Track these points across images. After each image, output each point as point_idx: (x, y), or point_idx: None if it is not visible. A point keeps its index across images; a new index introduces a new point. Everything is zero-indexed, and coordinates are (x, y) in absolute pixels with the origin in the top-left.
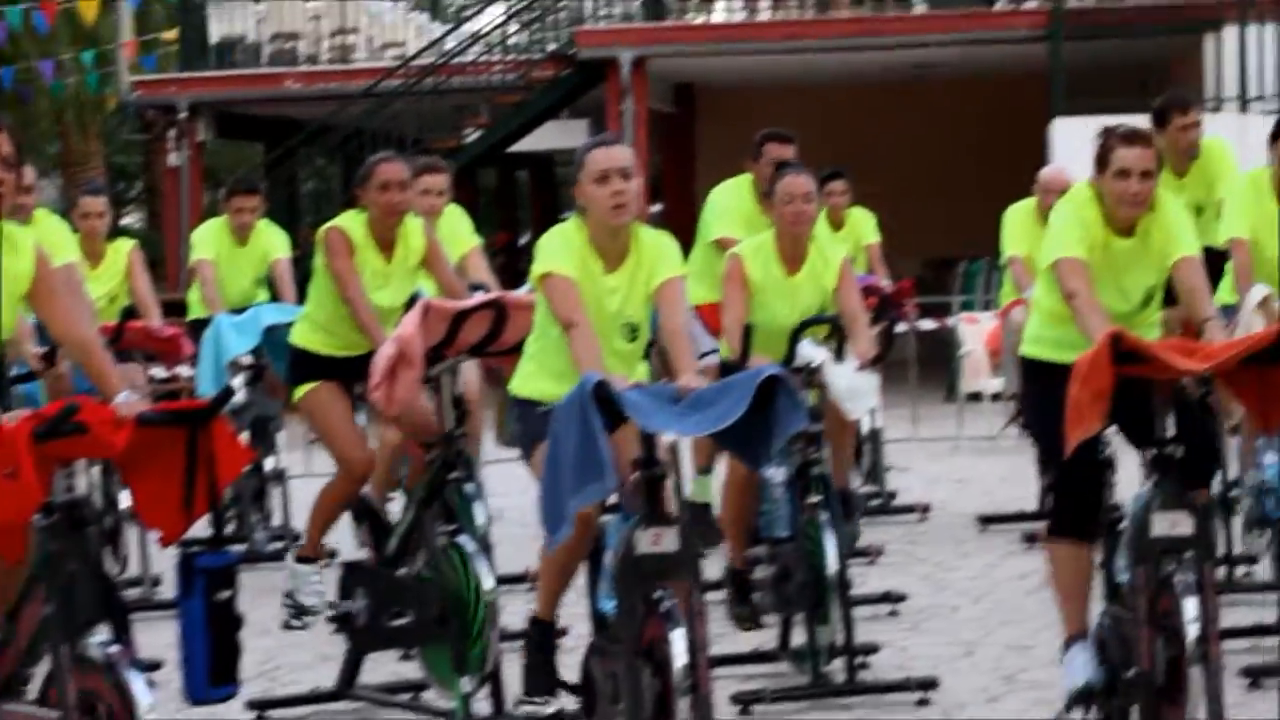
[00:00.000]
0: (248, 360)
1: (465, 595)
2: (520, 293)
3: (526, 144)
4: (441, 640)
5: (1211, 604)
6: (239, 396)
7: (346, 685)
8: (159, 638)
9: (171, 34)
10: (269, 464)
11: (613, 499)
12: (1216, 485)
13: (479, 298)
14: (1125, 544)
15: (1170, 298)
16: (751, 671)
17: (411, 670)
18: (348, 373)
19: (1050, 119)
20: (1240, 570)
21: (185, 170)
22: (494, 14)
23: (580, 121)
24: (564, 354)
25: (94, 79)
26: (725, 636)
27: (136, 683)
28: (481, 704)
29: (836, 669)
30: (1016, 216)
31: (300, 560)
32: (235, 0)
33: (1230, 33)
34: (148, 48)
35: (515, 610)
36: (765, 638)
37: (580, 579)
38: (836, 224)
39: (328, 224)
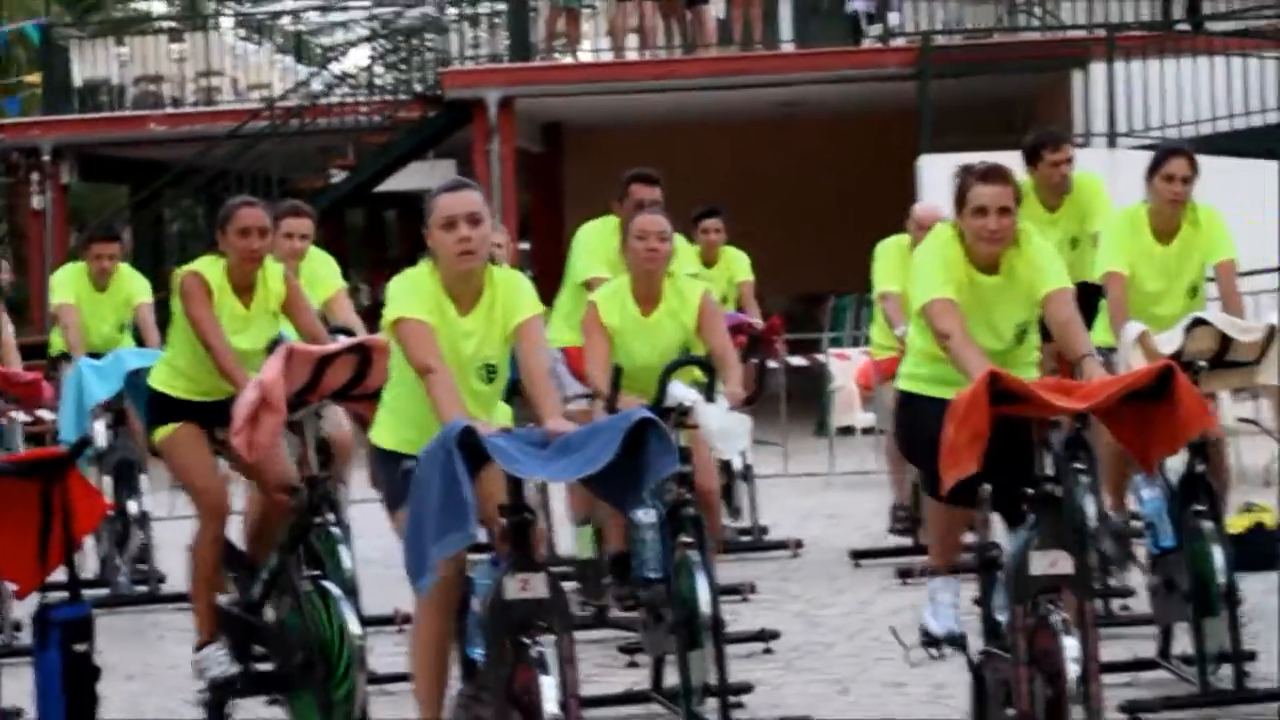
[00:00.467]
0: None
1: (331, 640)
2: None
3: (394, 184)
4: (307, 686)
5: (1092, 642)
6: (101, 440)
7: None
8: (20, 685)
9: (34, 77)
10: (133, 507)
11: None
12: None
13: (343, 342)
14: (1003, 583)
15: (1047, 333)
16: (625, 713)
17: (277, 716)
18: (208, 418)
19: (918, 156)
20: (1117, 604)
21: (49, 213)
22: (360, 56)
23: (447, 161)
24: (422, 400)
25: None
26: (597, 678)
27: None
28: None
29: (710, 709)
30: (888, 252)
31: (200, 649)
32: (99, 42)
33: (1098, 69)
34: (10, 90)
35: (383, 653)
36: (638, 678)
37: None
38: (710, 261)
39: (184, 268)
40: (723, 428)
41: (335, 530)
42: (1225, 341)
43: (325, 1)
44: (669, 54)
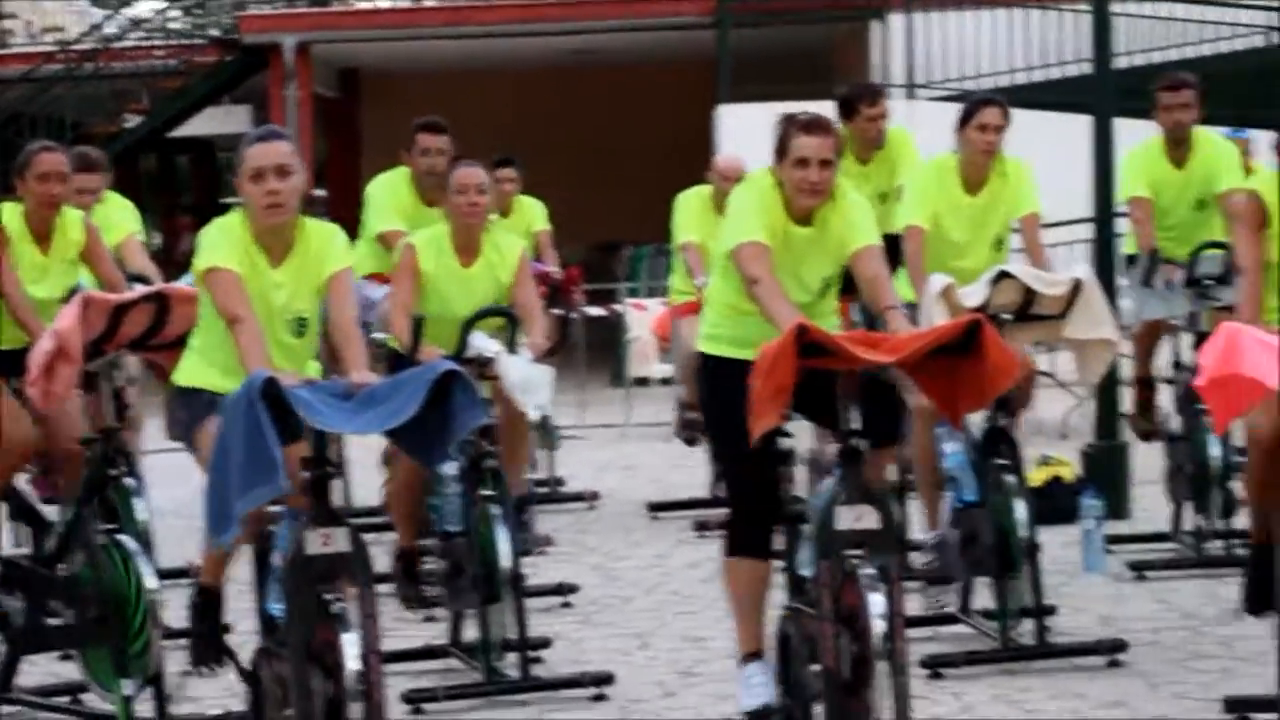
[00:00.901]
0: None
1: (126, 594)
2: (182, 285)
3: (188, 129)
4: (101, 641)
5: (898, 599)
6: None
7: (3, 688)
8: None
9: None
10: None
11: None
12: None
13: (140, 290)
14: (809, 538)
15: (850, 287)
16: (423, 668)
17: (71, 671)
18: (3, 367)
19: (716, 105)
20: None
21: None
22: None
23: (242, 107)
24: (229, 348)
25: None
26: (395, 631)
27: None
28: (144, 706)
29: (510, 664)
30: (689, 202)
31: None
32: None
33: (897, 20)
34: None
35: (179, 606)
36: (436, 632)
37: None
38: (505, 211)
39: None
40: (524, 379)
41: (129, 482)
42: (1029, 295)
43: None
44: (465, 0)
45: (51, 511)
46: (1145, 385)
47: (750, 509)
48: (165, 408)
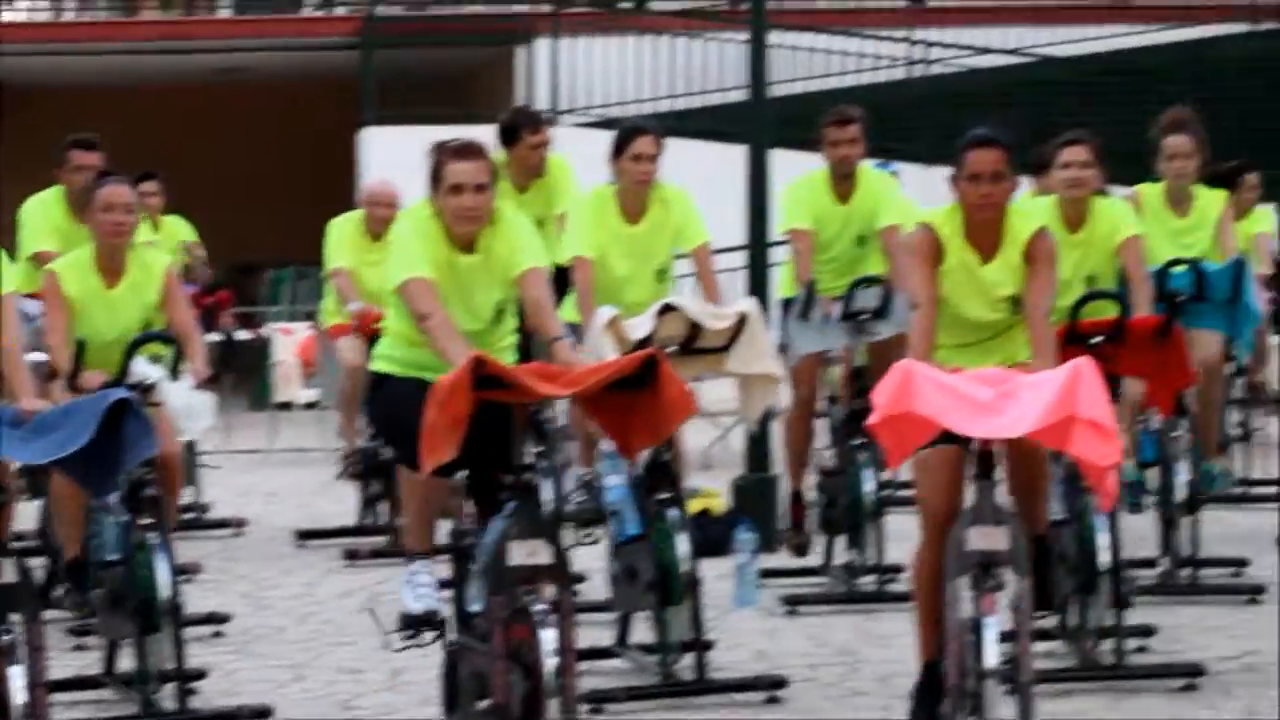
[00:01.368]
0: None
1: None
2: None
3: None
4: None
5: (570, 634)
6: None
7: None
8: None
9: None
10: None
11: None
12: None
13: None
14: (479, 572)
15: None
16: (75, 699)
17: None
18: None
19: (361, 128)
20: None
21: None
22: None
23: None
24: None
25: None
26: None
27: None
28: None
29: (167, 695)
30: (341, 229)
31: None
32: None
33: (542, 45)
34: None
35: None
36: (88, 661)
37: None
38: (151, 227)
39: None
40: (187, 405)
41: None
42: (695, 328)
43: None
44: (109, 16)
45: None
46: (797, 499)
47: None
48: None
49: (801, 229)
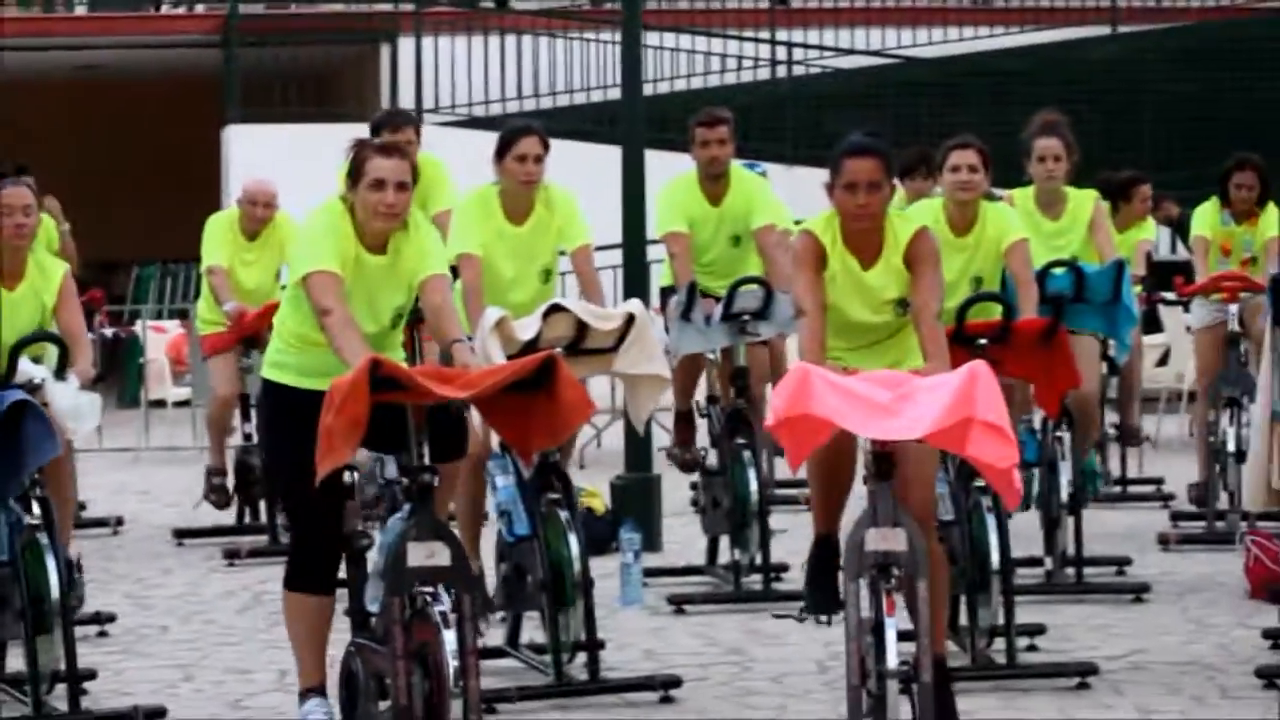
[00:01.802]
0: None
1: None
2: None
3: None
4: None
5: (471, 636)
6: None
7: None
8: None
9: None
10: None
11: None
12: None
13: None
14: (378, 573)
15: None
16: None
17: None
18: None
19: (225, 126)
20: None
21: None
22: None
23: None
24: None
25: None
26: None
27: None
28: None
29: (59, 696)
30: (219, 225)
31: None
32: None
33: (406, 44)
34: None
35: None
36: None
37: None
38: None
39: None
40: (74, 406)
41: None
42: (582, 328)
43: None
44: None
45: None
46: (685, 419)
47: (313, 543)
48: None
49: (677, 232)
